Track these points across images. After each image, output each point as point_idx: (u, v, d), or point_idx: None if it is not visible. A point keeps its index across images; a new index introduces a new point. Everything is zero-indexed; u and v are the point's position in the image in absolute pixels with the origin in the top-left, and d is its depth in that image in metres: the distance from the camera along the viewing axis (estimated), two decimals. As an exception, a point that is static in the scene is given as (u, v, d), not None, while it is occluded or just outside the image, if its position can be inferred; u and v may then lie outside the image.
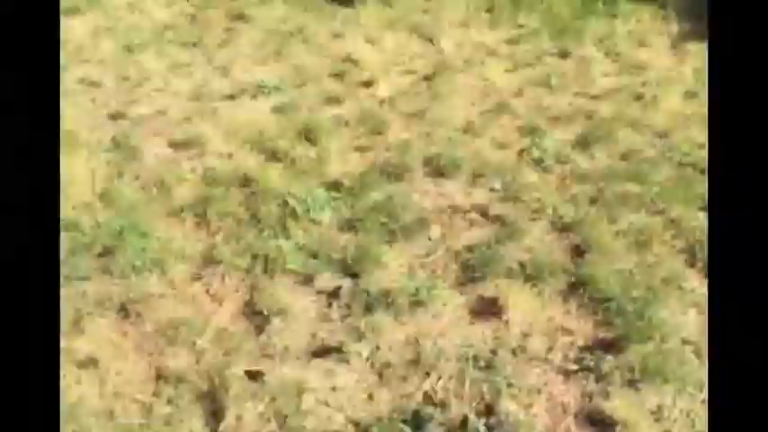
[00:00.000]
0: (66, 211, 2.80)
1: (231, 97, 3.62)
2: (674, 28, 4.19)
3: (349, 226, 2.73)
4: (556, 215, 2.78)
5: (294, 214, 2.76)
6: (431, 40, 4.12)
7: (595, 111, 3.46)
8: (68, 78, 3.78)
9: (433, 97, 3.56)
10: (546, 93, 3.63)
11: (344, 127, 3.35)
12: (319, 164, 3.07)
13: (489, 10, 4.45)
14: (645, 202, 2.84)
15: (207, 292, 2.47)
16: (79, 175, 3.03)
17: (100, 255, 2.59)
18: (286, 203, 2.80)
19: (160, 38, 4.21)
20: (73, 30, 4.23)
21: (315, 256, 2.57)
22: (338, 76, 3.78)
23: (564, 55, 3.99)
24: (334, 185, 2.93)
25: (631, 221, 2.73)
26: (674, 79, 3.72)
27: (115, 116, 3.48)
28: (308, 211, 2.78)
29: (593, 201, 2.86)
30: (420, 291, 2.38)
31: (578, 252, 2.60)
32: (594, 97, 3.60)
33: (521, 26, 4.31)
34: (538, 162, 3.10)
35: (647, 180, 2.95)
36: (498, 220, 2.76)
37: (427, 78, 3.75)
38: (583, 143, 3.23)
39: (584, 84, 3.71)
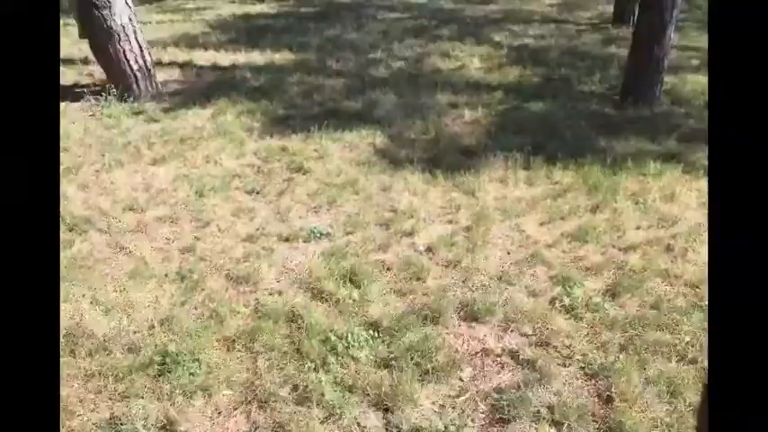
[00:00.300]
0: (129, 335, 3.09)
1: (286, 240, 3.98)
2: (703, 185, 4.41)
3: (385, 364, 2.89)
4: (585, 361, 2.87)
5: (335, 350, 2.95)
6: (472, 194, 4.46)
7: (626, 261, 3.61)
8: (149, 216, 4.26)
9: (471, 246, 3.81)
10: (578, 245, 3.82)
11: (386, 271, 3.61)
12: (361, 305, 3.30)
13: (526, 168, 4.82)
14: (676, 350, 2.90)
15: (247, 419, 2.62)
16: (145, 301, 3.36)
17: (155, 376, 2.82)
18: (328, 340, 3.00)
19: (228, 185, 4.72)
20: (157, 176, 4.82)
21: (351, 389, 2.72)
22: (384, 225, 4.11)
23: (596, 209, 4.23)
24: (374, 325, 3.13)
25: (662, 370, 2.79)
26: (703, 232, 3.87)
27: (184, 251, 3.87)
28: (348, 348, 2.97)
29: (622, 348, 2.94)
30: (449, 429, 2.47)
31: (607, 399, 2.65)
32: (626, 249, 3.77)
33: (556, 183, 4.62)
34: (569, 309, 3.23)
35: (678, 329, 3.03)
36: (528, 364, 2.87)
37: (466, 229, 4.03)
38: (614, 292, 3.36)
39: (616, 236, 3.90)
